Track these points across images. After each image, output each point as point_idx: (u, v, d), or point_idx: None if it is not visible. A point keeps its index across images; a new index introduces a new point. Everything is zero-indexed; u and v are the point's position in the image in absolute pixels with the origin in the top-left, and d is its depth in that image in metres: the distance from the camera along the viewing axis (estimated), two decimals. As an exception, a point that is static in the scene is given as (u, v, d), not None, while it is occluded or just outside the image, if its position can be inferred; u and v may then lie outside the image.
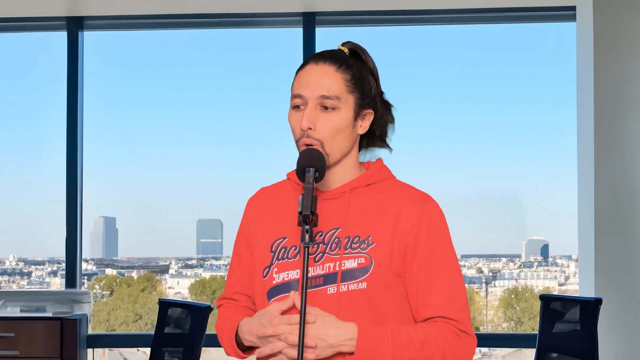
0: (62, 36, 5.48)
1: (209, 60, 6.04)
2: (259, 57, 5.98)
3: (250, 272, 2.06)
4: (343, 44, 2.03)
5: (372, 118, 2.00)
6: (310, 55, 2.01)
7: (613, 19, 4.84)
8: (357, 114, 1.97)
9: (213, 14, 5.38)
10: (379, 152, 2.09)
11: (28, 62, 6.04)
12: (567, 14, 5.24)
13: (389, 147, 2.07)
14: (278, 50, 5.80)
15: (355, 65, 1.98)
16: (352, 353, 1.86)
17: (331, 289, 1.91)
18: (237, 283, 2.11)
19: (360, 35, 5.64)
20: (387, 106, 2.06)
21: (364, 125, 1.99)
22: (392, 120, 2.07)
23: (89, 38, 5.54)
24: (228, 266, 2.18)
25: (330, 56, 1.97)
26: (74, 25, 5.42)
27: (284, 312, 1.88)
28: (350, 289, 1.90)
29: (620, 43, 4.85)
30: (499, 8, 5.28)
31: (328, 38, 5.40)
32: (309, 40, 5.28)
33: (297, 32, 5.34)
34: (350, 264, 1.92)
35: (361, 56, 2.02)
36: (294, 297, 1.87)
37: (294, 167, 1.97)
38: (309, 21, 5.29)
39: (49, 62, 5.83)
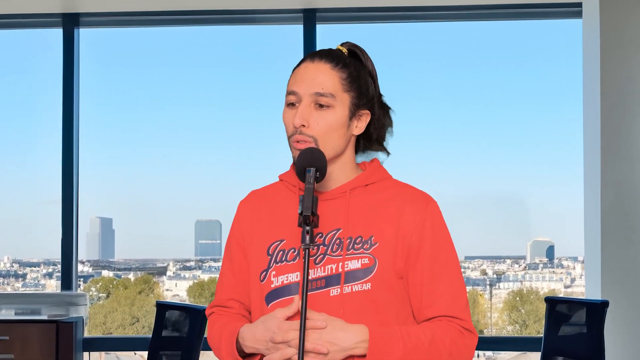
0: (57, 33, 5.48)
1: (207, 58, 6.04)
2: (259, 55, 5.98)
3: (244, 277, 2.05)
4: (342, 44, 2.04)
5: (368, 119, 2.01)
6: (307, 54, 2.02)
7: (620, 15, 4.84)
8: (353, 114, 1.97)
9: (211, 10, 5.38)
10: (376, 155, 2.08)
11: (23, 59, 6.04)
12: (572, 10, 5.24)
13: (387, 151, 2.07)
14: (278, 47, 5.80)
15: (353, 64, 1.98)
16: (364, 355, 1.86)
17: (334, 290, 1.91)
18: (230, 289, 2.08)
19: (362, 32, 5.64)
20: (386, 109, 2.06)
21: (359, 126, 2.00)
22: (391, 124, 2.07)
23: (85, 35, 5.54)
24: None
25: (326, 54, 1.98)
26: (70, 22, 5.42)
27: (288, 318, 1.87)
28: (354, 290, 1.91)
29: (627, 41, 4.85)
30: (502, 5, 5.28)
31: (329, 35, 5.40)
32: (309, 37, 5.29)
33: (298, 29, 5.34)
34: (354, 264, 1.92)
35: (360, 57, 2.03)
36: (299, 302, 1.86)
37: (291, 168, 2.00)
38: (310, 18, 5.29)
39: (44, 59, 5.84)
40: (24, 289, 6.21)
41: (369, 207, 1.98)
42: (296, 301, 1.87)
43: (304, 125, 1.92)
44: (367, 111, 2.00)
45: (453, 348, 1.91)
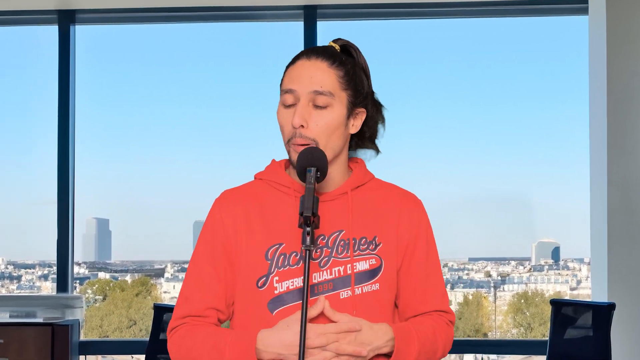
0: (53, 30, 5.48)
1: (206, 55, 6.04)
2: (258, 52, 5.98)
3: (228, 284, 1.98)
4: (334, 41, 2.04)
5: (364, 117, 2.01)
6: (301, 51, 2.00)
7: (626, 11, 4.84)
8: (350, 113, 1.97)
9: (210, 7, 5.38)
10: (365, 153, 2.10)
11: (18, 57, 6.05)
12: (578, 6, 5.24)
13: (378, 149, 2.09)
14: (278, 44, 5.80)
15: (349, 61, 1.98)
16: (390, 353, 1.90)
17: (344, 293, 1.93)
18: (211, 297, 1.97)
19: (362, 29, 5.64)
20: (378, 106, 2.06)
21: (355, 125, 2.00)
22: (383, 121, 2.08)
23: (81, 32, 5.54)
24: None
25: (322, 52, 1.97)
26: (66, 19, 5.42)
27: (312, 320, 1.87)
28: (364, 291, 1.94)
29: (634, 37, 4.85)
30: (507, 1, 5.29)
31: (330, 32, 5.40)
32: (310, 34, 5.29)
33: (298, 26, 5.34)
34: (362, 266, 1.95)
35: (352, 53, 2.03)
36: (324, 303, 1.87)
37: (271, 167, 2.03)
38: (310, 15, 5.29)
39: (40, 57, 5.84)
40: (18, 291, 6.22)
41: (368, 207, 2.00)
42: (321, 301, 1.87)
43: (302, 126, 1.91)
44: (363, 109, 2.01)
45: (446, 340, 2.03)
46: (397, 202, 2.02)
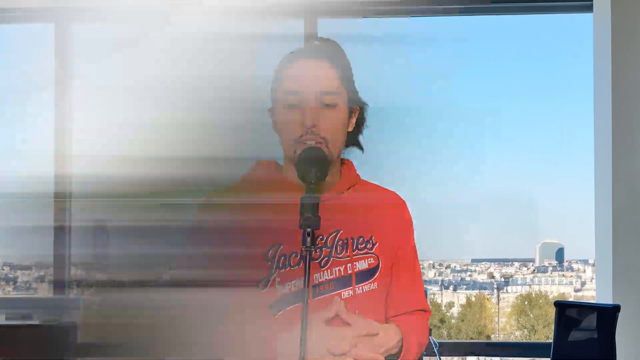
0: (49, 28, 5.48)
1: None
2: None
3: None
4: (317, 39, 2.05)
5: (357, 115, 2.03)
6: (296, 50, 2.01)
7: (632, 9, 4.84)
8: (350, 111, 1.99)
9: (209, 4, 5.38)
10: (349, 152, 2.12)
11: (13, 55, 6.04)
12: (582, 4, 5.24)
13: (362, 148, 2.10)
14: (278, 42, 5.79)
15: (344, 60, 2.01)
16: (398, 354, 1.94)
17: (346, 292, 1.95)
18: None
19: (363, 26, 5.63)
20: (362, 104, 2.08)
21: (352, 123, 2.04)
22: (365, 119, 2.10)
23: (79, 30, 5.53)
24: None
25: (321, 51, 1.98)
26: (63, 17, 5.42)
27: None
28: (364, 290, 1.97)
29: (639, 34, 4.84)
30: (510, -2, 5.29)
31: (330, 29, 5.40)
32: (310, 31, 5.29)
33: (298, 23, 5.34)
34: (362, 265, 1.98)
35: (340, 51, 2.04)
36: (340, 304, 1.88)
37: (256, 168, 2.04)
38: (311, 12, 5.29)
39: (35, 55, 5.83)
40: (14, 292, 6.21)
41: (361, 207, 2.03)
42: (335, 302, 1.88)
43: (315, 126, 1.92)
44: (358, 107, 2.03)
45: (426, 337, 2.11)
46: (385, 202, 2.08)
